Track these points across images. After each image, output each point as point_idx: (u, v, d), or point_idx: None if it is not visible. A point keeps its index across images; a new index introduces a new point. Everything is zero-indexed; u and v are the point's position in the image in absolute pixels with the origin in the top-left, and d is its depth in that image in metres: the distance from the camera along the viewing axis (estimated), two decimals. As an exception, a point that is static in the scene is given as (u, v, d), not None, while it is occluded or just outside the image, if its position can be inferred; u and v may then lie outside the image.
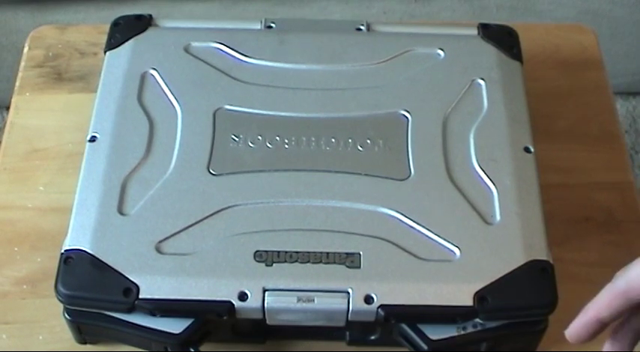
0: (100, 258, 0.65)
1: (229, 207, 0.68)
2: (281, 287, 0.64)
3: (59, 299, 0.65)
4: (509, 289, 0.64)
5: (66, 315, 0.67)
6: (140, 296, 0.64)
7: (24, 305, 0.72)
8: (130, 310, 0.64)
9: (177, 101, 0.75)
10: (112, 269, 0.65)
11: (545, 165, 0.76)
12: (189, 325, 0.64)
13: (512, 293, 0.64)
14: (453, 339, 0.65)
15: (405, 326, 0.65)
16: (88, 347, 0.70)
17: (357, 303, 0.64)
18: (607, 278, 0.74)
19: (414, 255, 0.66)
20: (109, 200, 0.68)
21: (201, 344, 0.66)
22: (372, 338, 0.68)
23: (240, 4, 1.52)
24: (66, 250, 0.66)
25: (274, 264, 0.65)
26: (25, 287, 0.73)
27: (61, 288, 0.65)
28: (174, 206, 0.68)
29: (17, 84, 0.87)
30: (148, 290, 0.64)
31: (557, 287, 0.66)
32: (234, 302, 0.64)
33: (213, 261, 0.65)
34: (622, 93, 1.76)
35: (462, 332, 0.65)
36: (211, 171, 0.71)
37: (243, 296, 0.64)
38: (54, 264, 0.66)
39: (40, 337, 0.70)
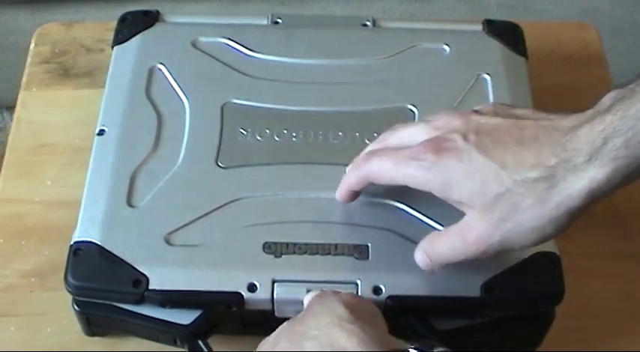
0: (110, 249, 0.66)
1: (238, 199, 0.69)
2: (290, 278, 0.65)
3: (69, 291, 0.65)
4: (516, 280, 0.65)
5: (75, 306, 0.67)
6: (150, 288, 0.64)
7: (32, 297, 0.72)
8: (140, 301, 0.64)
9: (185, 95, 0.75)
10: (122, 260, 0.65)
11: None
12: (198, 316, 0.65)
13: (520, 284, 0.65)
14: (459, 330, 0.66)
15: (411, 317, 0.65)
16: (97, 339, 0.70)
17: (365, 294, 0.64)
18: (610, 272, 0.75)
19: None
20: (117, 192, 0.69)
21: (210, 336, 0.66)
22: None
23: (240, 4, 1.52)
24: (75, 242, 0.66)
25: (283, 256, 0.66)
26: (33, 280, 0.73)
27: (70, 280, 0.65)
28: (183, 198, 0.69)
29: (24, 80, 0.88)
30: (158, 281, 0.64)
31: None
32: (243, 294, 0.64)
33: (222, 252, 0.66)
34: (621, 93, 1.77)
35: (469, 323, 0.66)
36: (220, 164, 0.71)
37: (252, 288, 0.64)
38: (61, 257, 0.66)
39: (49, 329, 0.71)
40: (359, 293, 0.64)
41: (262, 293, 0.64)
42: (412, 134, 0.63)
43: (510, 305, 0.65)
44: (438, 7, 1.54)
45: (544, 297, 0.65)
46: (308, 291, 0.63)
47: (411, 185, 0.61)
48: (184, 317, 0.65)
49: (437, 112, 0.65)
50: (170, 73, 0.77)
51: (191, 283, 0.65)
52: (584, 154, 0.55)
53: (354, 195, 0.67)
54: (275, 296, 0.64)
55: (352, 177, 0.65)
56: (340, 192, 0.67)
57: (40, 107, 0.85)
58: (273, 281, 0.65)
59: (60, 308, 0.70)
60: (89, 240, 0.66)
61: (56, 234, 0.75)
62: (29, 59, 0.89)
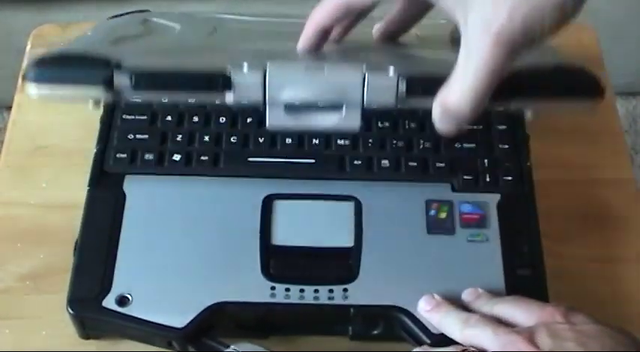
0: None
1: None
2: (285, 63, 0.58)
3: (30, 80, 0.61)
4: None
5: (69, 309, 0.67)
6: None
7: (27, 300, 0.72)
8: (109, 84, 0.59)
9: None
10: (92, 54, 0.61)
11: (546, 161, 0.76)
12: (193, 318, 0.65)
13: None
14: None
15: (406, 320, 0.65)
16: (92, 341, 0.70)
17: (373, 76, 0.58)
18: (607, 274, 0.75)
19: None
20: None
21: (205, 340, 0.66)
22: (375, 332, 0.68)
23: (240, 5, 1.52)
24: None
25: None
26: (27, 283, 0.73)
27: (32, 68, 0.61)
28: None
29: (20, 82, 0.87)
30: (131, 61, 0.59)
31: (556, 286, 0.67)
32: (229, 73, 0.57)
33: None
34: (622, 94, 1.77)
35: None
36: None
37: (240, 67, 0.58)
38: (57, 260, 0.67)
39: (44, 332, 0.71)
40: (366, 76, 0.59)
41: (252, 77, 0.57)
42: None
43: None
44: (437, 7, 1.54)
45: (587, 88, 0.62)
46: (307, 69, 0.58)
47: None
48: (179, 319, 0.65)
49: None
50: None
51: (170, 65, 0.59)
52: None
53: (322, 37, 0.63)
54: (267, 77, 0.57)
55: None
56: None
57: (36, 109, 0.85)
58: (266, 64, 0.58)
59: (55, 311, 0.69)
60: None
61: (52, 236, 0.75)
62: (25, 61, 0.89)
